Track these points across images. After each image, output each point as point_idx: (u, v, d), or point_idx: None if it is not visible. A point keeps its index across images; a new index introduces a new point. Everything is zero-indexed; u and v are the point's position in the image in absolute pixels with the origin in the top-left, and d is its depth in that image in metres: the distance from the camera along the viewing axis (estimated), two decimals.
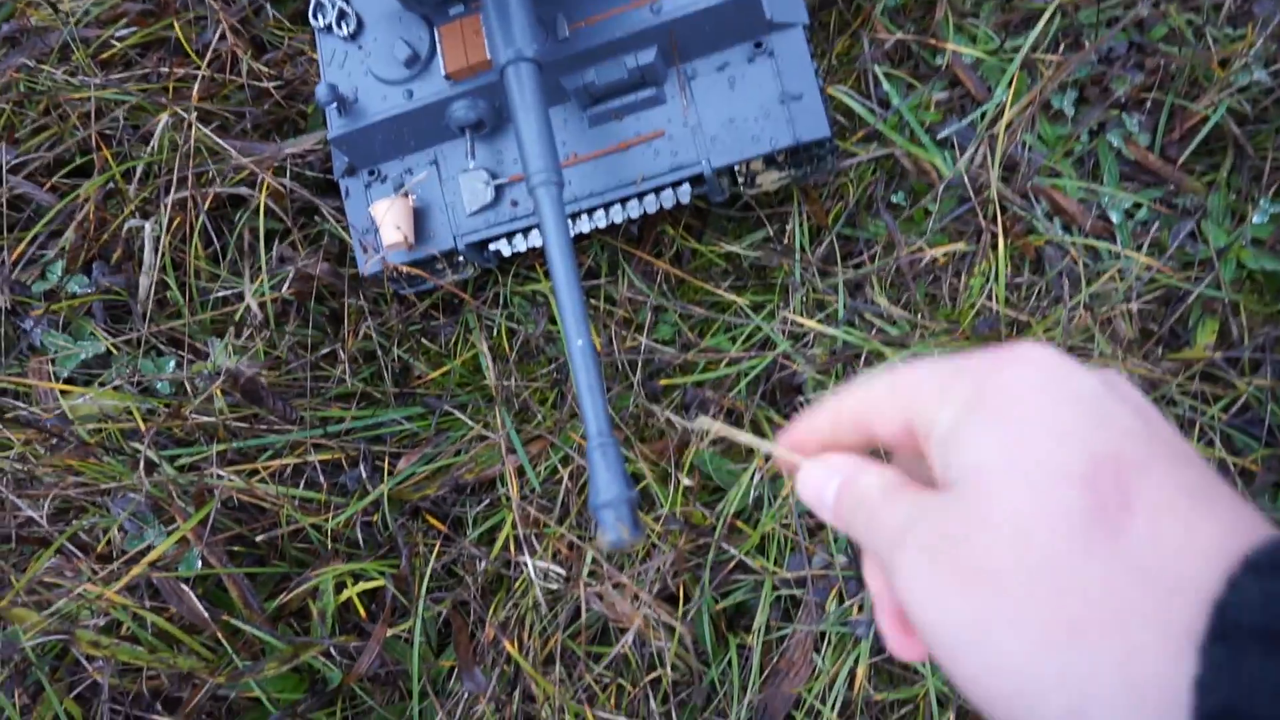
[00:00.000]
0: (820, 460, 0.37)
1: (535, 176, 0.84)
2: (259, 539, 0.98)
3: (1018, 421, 0.28)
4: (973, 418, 0.29)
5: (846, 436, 0.36)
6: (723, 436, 0.47)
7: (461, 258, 1.06)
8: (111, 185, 1.08)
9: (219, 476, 0.92)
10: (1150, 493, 0.26)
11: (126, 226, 1.05)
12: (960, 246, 1.04)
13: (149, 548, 0.98)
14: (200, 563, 0.97)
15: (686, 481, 1.02)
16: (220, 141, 1.01)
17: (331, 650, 0.99)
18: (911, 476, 0.35)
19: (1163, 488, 0.26)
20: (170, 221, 1.06)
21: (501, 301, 1.15)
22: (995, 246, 1.03)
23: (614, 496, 0.73)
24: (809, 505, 0.37)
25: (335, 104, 0.97)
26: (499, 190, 1.01)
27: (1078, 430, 0.27)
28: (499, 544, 1.03)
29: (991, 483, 0.28)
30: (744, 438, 0.43)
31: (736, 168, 1.00)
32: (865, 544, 0.34)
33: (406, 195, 1.01)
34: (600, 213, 1.01)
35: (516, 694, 0.98)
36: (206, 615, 0.95)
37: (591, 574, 1.00)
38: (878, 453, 0.38)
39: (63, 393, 0.97)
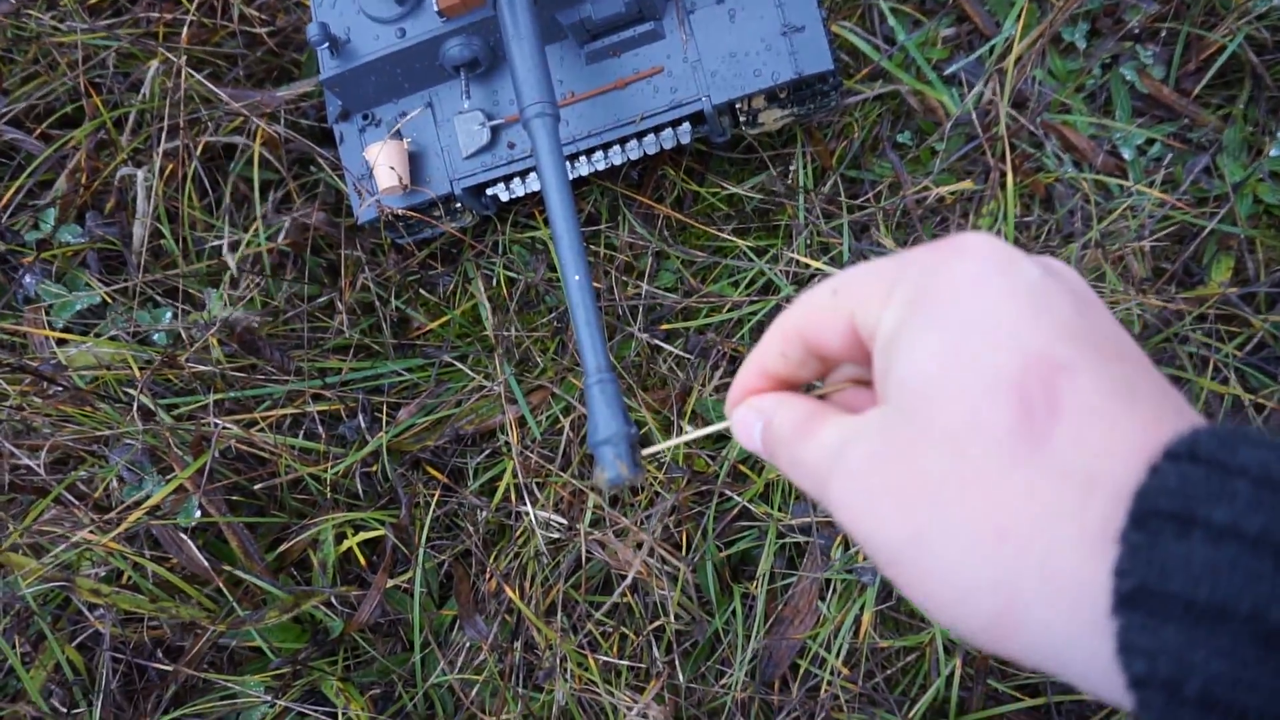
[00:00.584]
0: (746, 404, 0.37)
1: (530, 108, 0.82)
2: (257, 488, 0.97)
3: (955, 325, 0.28)
4: (913, 320, 0.29)
5: (796, 361, 0.36)
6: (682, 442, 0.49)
7: (459, 204, 1.04)
8: (103, 134, 1.06)
9: (217, 425, 0.91)
10: (1077, 396, 0.26)
11: (119, 175, 1.03)
12: (968, 185, 1.01)
13: (146, 497, 0.97)
14: (199, 512, 0.96)
15: (688, 429, 1.01)
16: (213, 88, 0.99)
17: (333, 600, 0.98)
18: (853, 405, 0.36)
19: (1089, 390, 0.27)
20: (163, 170, 1.04)
21: (500, 250, 1.13)
22: (1004, 185, 1.00)
23: (613, 433, 0.72)
24: (748, 449, 0.38)
25: (327, 44, 0.95)
26: (495, 132, 0.99)
27: (1013, 328, 0.28)
28: (499, 494, 1.02)
29: (927, 395, 0.28)
30: (698, 434, 0.45)
31: (738, 105, 0.97)
32: (795, 481, 0.34)
33: (400, 137, 0.99)
34: (599, 154, 0.99)
35: (518, 644, 0.97)
36: (207, 564, 0.94)
37: (594, 523, 0.99)
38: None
39: (59, 342, 0.95)
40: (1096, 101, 1.02)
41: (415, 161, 1.01)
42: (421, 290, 1.14)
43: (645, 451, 0.56)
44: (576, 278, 0.78)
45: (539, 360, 1.09)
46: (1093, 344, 0.28)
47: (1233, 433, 0.25)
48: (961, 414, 0.27)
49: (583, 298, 0.77)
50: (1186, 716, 0.23)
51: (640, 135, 0.98)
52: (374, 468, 1.04)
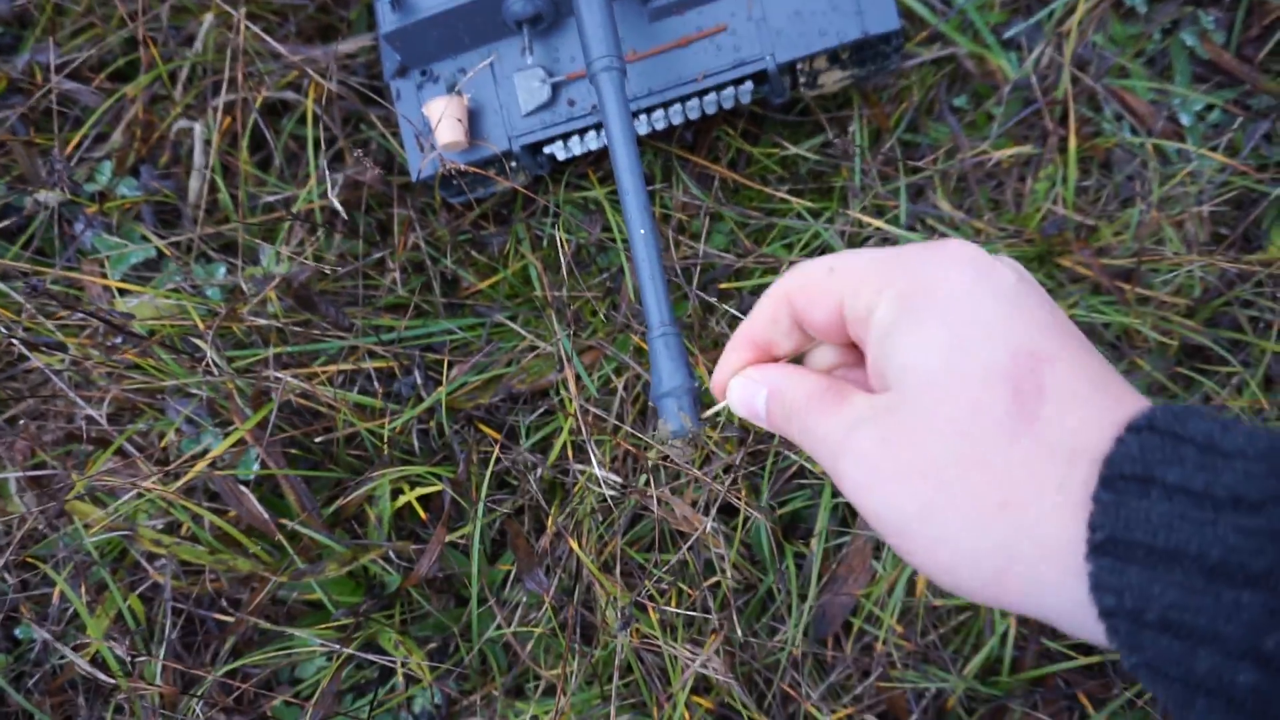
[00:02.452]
0: (747, 374, 0.42)
1: (597, 62, 0.82)
2: (317, 441, 0.97)
3: (951, 323, 0.33)
4: (909, 316, 0.34)
5: (783, 330, 0.41)
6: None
7: (515, 162, 1.04)
8: (158, 87, 1.06)
9: (279, 380, 0.91)
10: (1059, 382, 0.31)
11: (174, 129, 1.03)
12: (1026, 149, 1.01)
13: (205, 450, 0.97)
14: (258, 465, 0.97)
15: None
16: (272, 42, 0.99)
17: (390, 554, 0.99)
18: (822, 367, 0.41)
19: (1069, 376, 0.32)
20: (218, 124, 1.04)
21: (552, 210, 1.13)
22: (1062, 149, 1.00)
23: (676, 385, 0.72)
24: (745, 418, 0.42)
25: None
26: (555, 89, 0.99)
27: (1001, 327, 0.32)
28: (555, 451, 1.03)
29: (931, 385, 0.33)
30: (709, 412, 0.50)
31: (799, 66, 0.97)
32: (802, 447, 0.38)
33: (460, 94, 0.99)
34: (659, 113, 0.99)
35: (575, 597, 0.98)
36: (266, 517, 0.95)
37: (647, 481, 1.00)
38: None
39: (122, 291, 0.96)
40: (1156, 67, 1.02)
41: (473, 118, 1.01)
42: (471, 250, 1.14)
43: (704, 415, 0.59)
44: (642, 232, 0.78)
45: (590, 320, 1.09)
46: (1066, 338, 0.33)
47: (1185, 409, 0.30)
48: (963, 401, 0.32)
49: (648, 252, 0.77)
50: (1147, 638, 0.27)
51: (701, 94, 0.98)
52: (429, 424, 1.05)
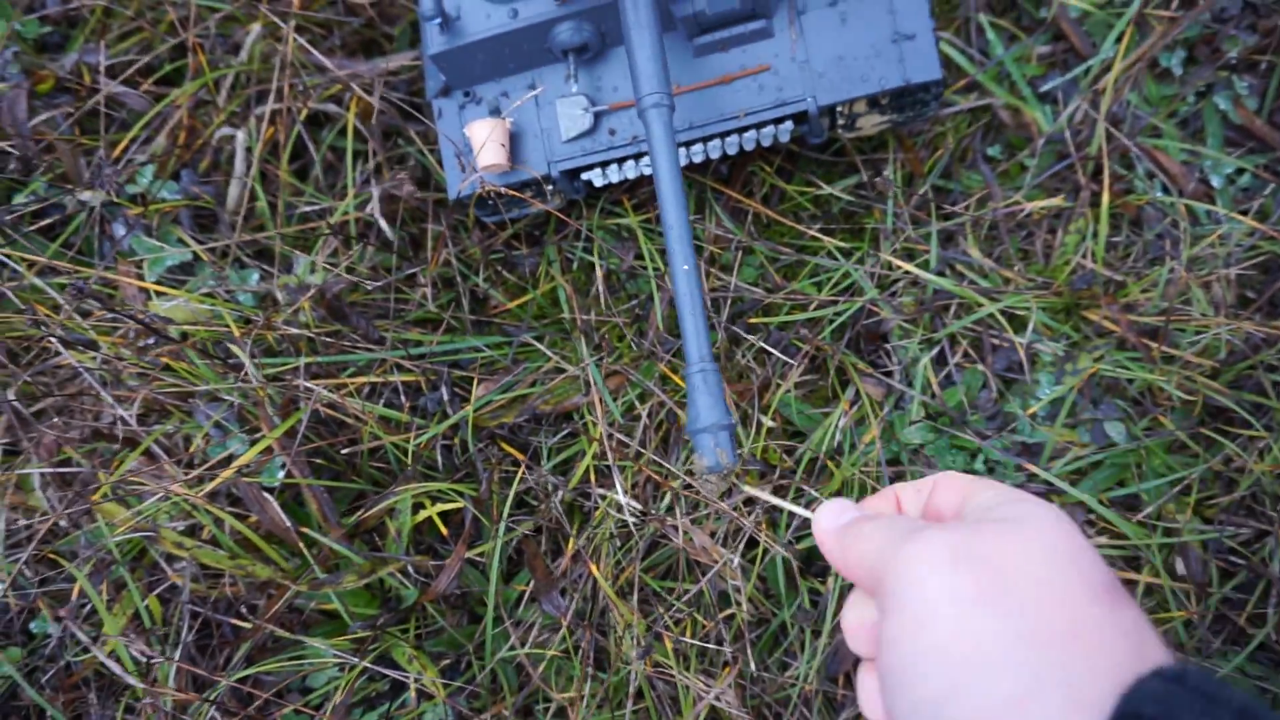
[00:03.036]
0: (834, 501, 0.48)
1: (648, 98, 0.83)
2: (344, 453, 0.98)
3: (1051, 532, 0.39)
4: (1018, 506, 0.40)
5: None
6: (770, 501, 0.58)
7: (551, 186, 1.05)
8: (202, 94, 1.07)
9: (311, 390, 0.92)
10: (1130, 606, 0.37)
11: (217, 135, 1.04)
12: (1057, 202, 1.02)
13: (231, 456, 0.98)
14: (283, 473, 0.98)
15: (769, 423, 1.02)
16: (319, 56, 1.00)
17: (408, 568, 0.99)
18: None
19: (1132, 604, 0.37)
20: (260, 133, 1.05)
21: (583, 235, 1.14)
22: (1094, 204, 1.01)
23: (714, 421, 0.73)
24: (820, 543, 0.47)
25: (439, 19, 0.96)
26: (597, 118, 1.00)
27: (1092, 558, 0.38)
28: (578, 475, 1.03)
29: (1039, 537, 0.38)
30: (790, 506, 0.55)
31: (839, 108, 0.99)
32: (860, 558, 0.43)
33: (504, 118, 1.00)
34: (698, 147, 1.00)
35: (590, 620, 0.99)
36: (289, 525, 0.96)
37: (668, 510, 1.01)
38: None
39: (158, 294, 0.96)
40: (1189, 128, 1.04)
41: (514, 141, 1.02)
42: (501, 269, 1.15)
43: (748, 492, 0.62)
44: (685, 267, 0.79)
45: (616, 345, 1.10)
46: (1119, 588, 0.38)
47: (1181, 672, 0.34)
48: (1060, 565, 0.37)
49: (690, 287, 0.78)
50: None
51: (741, 131, 0.99)
52: (453, 440, 1.05)
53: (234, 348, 0.90)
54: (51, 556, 0.96)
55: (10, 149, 1.00)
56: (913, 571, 0.38)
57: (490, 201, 1.07)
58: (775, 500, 0.53)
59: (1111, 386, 0.98)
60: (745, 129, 0.99)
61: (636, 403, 1.06)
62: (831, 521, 0.47)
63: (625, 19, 0.86)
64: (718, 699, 0.90)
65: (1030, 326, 0.97)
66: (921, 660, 0.36)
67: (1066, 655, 0.34)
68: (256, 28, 1.08)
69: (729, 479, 0.73)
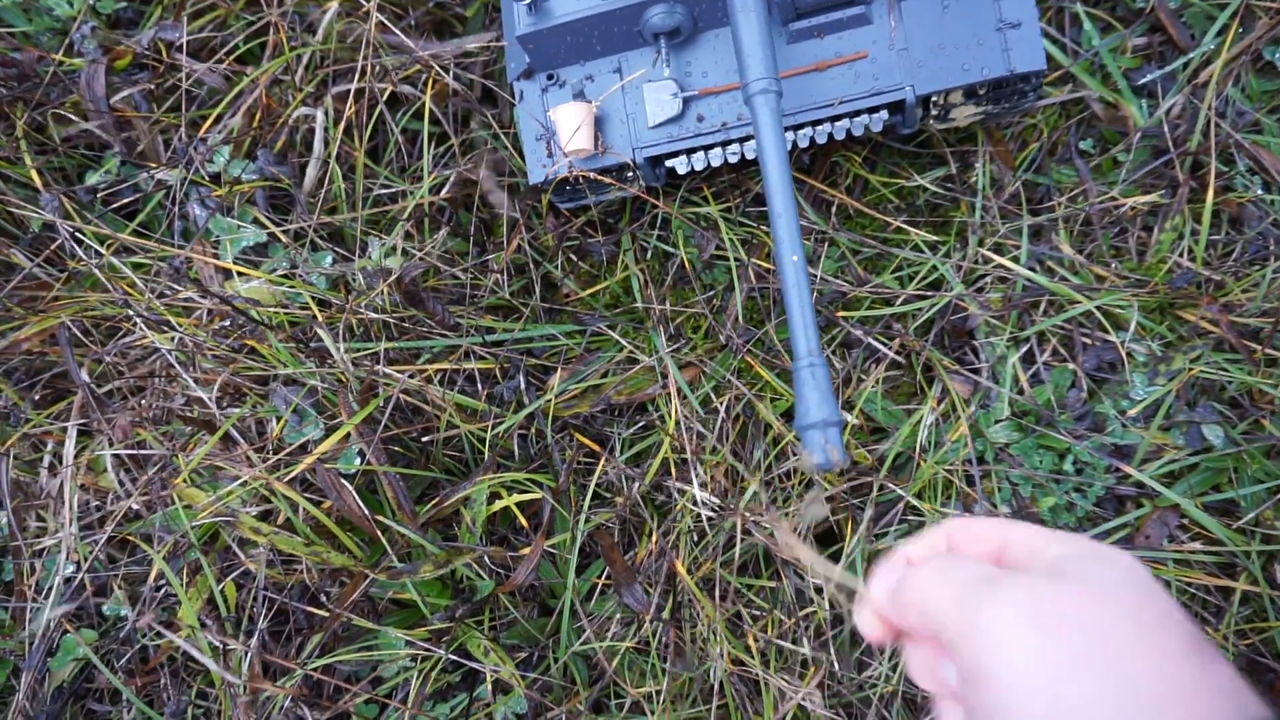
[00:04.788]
0: (891, 562, 0.44)
1: (755, 84, 0.81)
2: (423, 441, 0.97)
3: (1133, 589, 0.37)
4: (1098, 563, 0.38)
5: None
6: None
7: (633, 172, 1.03)
8: (279, 73, 1.05)
9: (393, 378, 0.90)
10: (1222, 662, 0.35)
11: (294, 115, 1.03)
12: (1154, 199, 1.00)
13: (308, 441, 0.97)
14: (359, 460, 0.96)
15: (853, 420, 1.00)
16: (401, 35, 0.98)
17: (484, 559, 0.98)
18: None
19: (1222, 660, 0.35)
20: (338, 113, 1.03)
21: (659, 224, 1.12)
22: (1192, 201, 0.99)
23: (824, 418, 0.71)
24: (878, 606, 0.43)
25: (528, 0, 0.94)
26: (685, 103, 0.98)
27: (1180, 616, 0.36)
28: (654, 467, 1.02)
29: (1126, 597, 0.36)
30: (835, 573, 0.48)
31: (935, 98, 0.96)
32: (927, 608, 0.39)
33: (591, 101, 0.98)
34: (789, 135, 0.98)
35: (666, 615, 0.97)
36: (366, 513, 0.94)
37: (753, 499, 0.99)
38: None
39: (238, 274, 0.95)
40: None
41: (598, 126, 1.00)
42: (573, 257, 1.14)
43: (792, 550, 0.57)
44: (794, 258, 0.77)
45: (691, 337, 1.08)
46: (1208, 644, 0.36)
47: None
48: (1149, 628, 0.35)
49: (798, 279, 0.76)
50: None
51: (833, 119, 0.97)
52: (529, 430, 1.04)
53: (319, 331, 0.89)
54: (128, 539, 0.94)
55: (93, 128, 0.99)
56: (993, 636, 0.35)
57: (569, 187, 1.05)
58: (822, 567, 0.49)
59: (1207, 389, 0.95)
60: (838, 118, 0.97)
61: (712, 396, 1.05)
62: (882, 589, 0.43)
63: (731, 4, 0.84)
64: (806, 699, 0.88)
65: (1131, 326, 0.95)
66: None
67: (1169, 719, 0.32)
68: (334, 5, 1.06)
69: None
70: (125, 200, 1.02)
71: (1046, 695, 0.33)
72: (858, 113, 0.96)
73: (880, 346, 1.01)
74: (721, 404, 1.03)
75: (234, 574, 0.97)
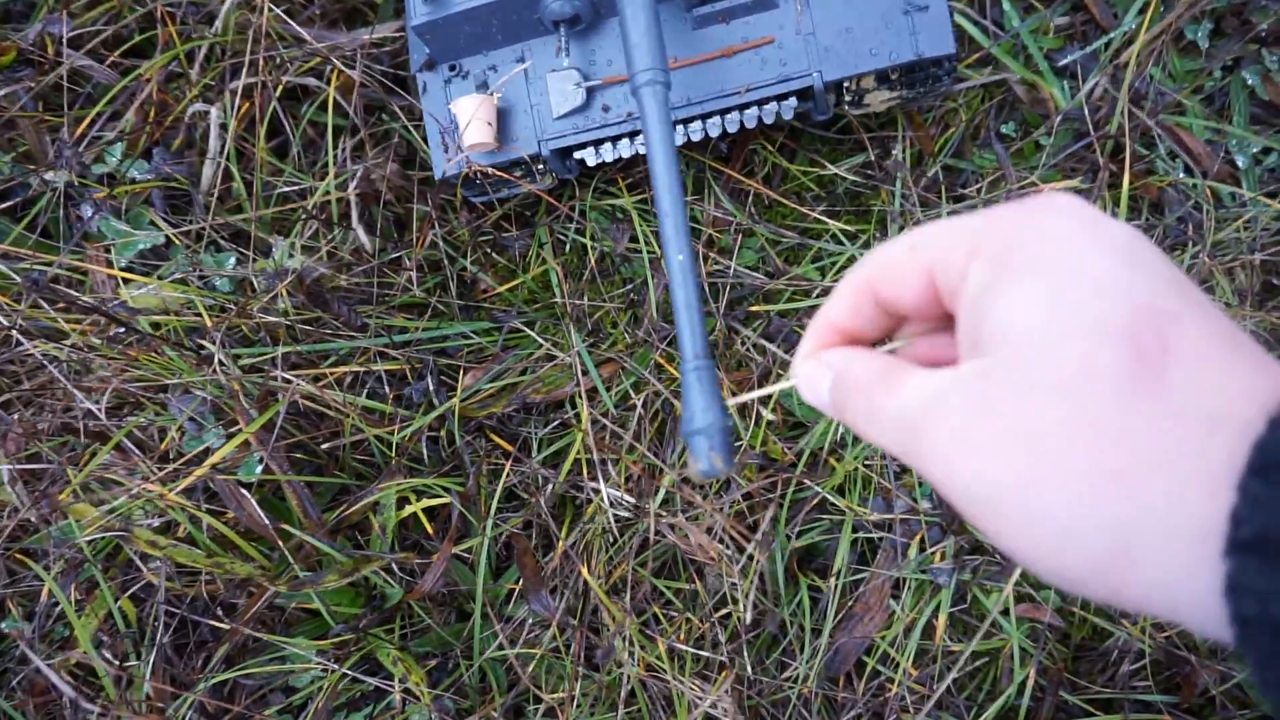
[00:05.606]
0: (814, 358, 0.37)
1: (642, 75, 0.78)
2: (324, 447, 0.94)
3: (1055, 274, 0.28)
4: (1007, 274, 0.29)
5: (866, 317, 0.36)
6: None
7: (541, 166, 1.00)
8: (174, 67, 1.01)
9: (290, 382, 0.88)
10: (1187, 341, 0.27)
11: (190, 111, 0.99)
12: (1074, 184, 0.97)
13: (207, 450, 0.94)
14: (261, 468, 0.93)
15: (769, 415, 0.98)
16: (296, 26, 0.94)
17: (392, 566, 0.96)
18: (924, 359, 0.36)
19: (1198, 336, 0.27)
20: (236, 109, 0.99)
21: (576, 216, 1.09)
22: (1113, 185, 0.96)
23: (708, 423, 0.69)
24: (813, 405, 0.38)
25: None
26: (590, 93, 0.95)
27: (1116, 279, 0.28)
28: (567, 467, 0.99)
29: (1031, 343, 0.28)
30: (764, 391, 0.45)
31: (846, 84, 0.93)
32: (866, 434, 0.34)
33: (491, 93, 0.94)
34: (697, 124, 0.95)
35: (578, 620, 0.95)
36: (268, 523, 0.92)
37: (663, 504, 0.97)
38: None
39: (127, 280, 0.92)
40: (1214, 105, 0.98)
41: (502, 118, 0.97)
42: (490, 252, 1.10)
43: (731, 401, 0.53)
44: (680, 257, 0.74)
45: (610, 332, 1.05)
46: (1192, 297, 0.28)
47: None
48: (1072, 360, 0.27)
49: (684, 278, 0.74)
50: None
51: (742, 107, 0.94)
52: (439, 432, 1.01)
53: (199, 338, 0.86)
54: (18, 557, 0.92)
55: None
56: (937, 464, 0.30)
57: (478, 181, 1.02)
58: (751, 396, 0.46)
59: None
60: (747, 105, 0.94)
61: (631, 392, 1.02)
62: (814, 395, 0.38)
63: None
64: (713, 706, 0.87)
65: None
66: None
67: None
68: None
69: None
70: (13, 203, 0.99)
71: (965, 478, 0.29)
72: (767, 100, 0.93)
73: (798, 338, 0.99)
74: (639, 400, 1.01)
75: (135, 588, 0.94)
